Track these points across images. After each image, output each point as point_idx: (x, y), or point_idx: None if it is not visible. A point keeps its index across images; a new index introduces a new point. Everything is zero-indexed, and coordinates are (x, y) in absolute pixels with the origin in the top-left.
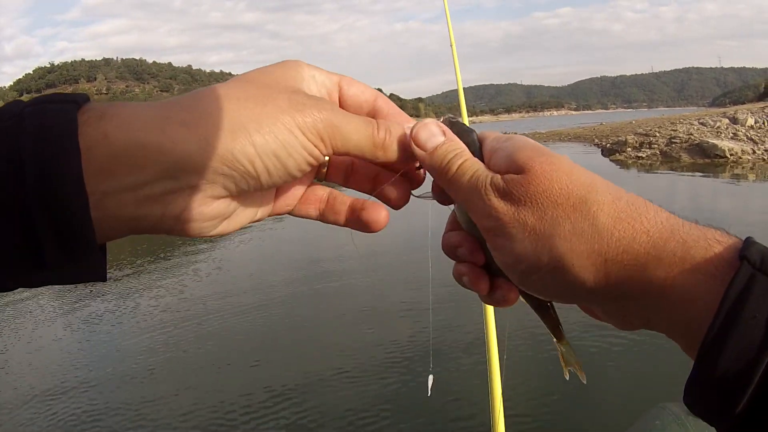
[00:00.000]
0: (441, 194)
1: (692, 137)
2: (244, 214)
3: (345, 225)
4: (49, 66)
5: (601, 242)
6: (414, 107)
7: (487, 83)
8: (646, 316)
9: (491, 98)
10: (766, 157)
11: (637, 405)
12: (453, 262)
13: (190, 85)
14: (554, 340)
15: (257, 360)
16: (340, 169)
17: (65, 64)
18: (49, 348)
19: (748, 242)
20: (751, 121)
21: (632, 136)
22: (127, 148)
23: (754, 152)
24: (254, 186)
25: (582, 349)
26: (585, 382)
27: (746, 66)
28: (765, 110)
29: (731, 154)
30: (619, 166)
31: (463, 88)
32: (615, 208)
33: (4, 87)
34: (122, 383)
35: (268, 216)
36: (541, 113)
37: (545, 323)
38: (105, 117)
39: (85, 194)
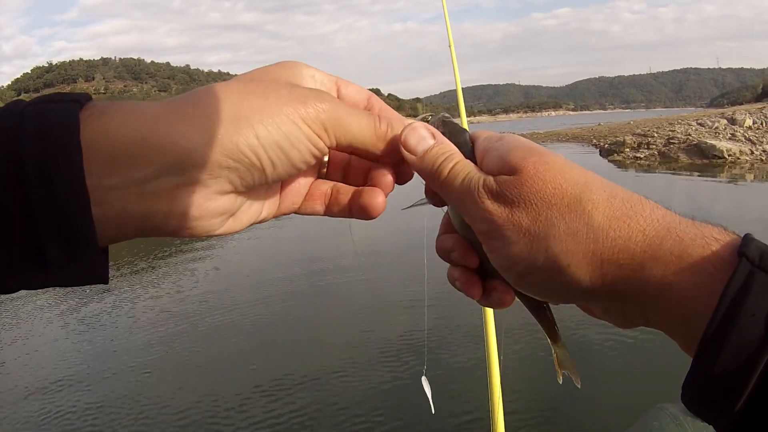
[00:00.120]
0: (434, 196)
1: (690, 138)
2: (250, 212)
3: (349, 214)
4: (47, 66)
5: (597, 242)
6: (412, 107)
7: (485, 83)
8: (645, 315)
9: (489, 98)
10: (764, 158)
11: (635, 406)
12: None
13: (188, 85)
14: (549, 342)
15: (256, 359)
16: (339, 166)
17: (63, 63)
18: (45, 348)
19: (747, 239)
20: (749, 122)
21: (630, 137)
22: (130, 142)
23: (752, 153)
24: (259, 179)
25: (582, 349)
26: (579, 386)
27: (744, 67)
28: (763, 111)
29: (729, 155)
30: (617, 167)
31: (462, 89)
32: (610, 207)
33: (2, 86)
34: (122, 383)
35: (274, 216)
36: (539, 114)
37: (541, 325)
38: (107, 113)
39: (86, 193)
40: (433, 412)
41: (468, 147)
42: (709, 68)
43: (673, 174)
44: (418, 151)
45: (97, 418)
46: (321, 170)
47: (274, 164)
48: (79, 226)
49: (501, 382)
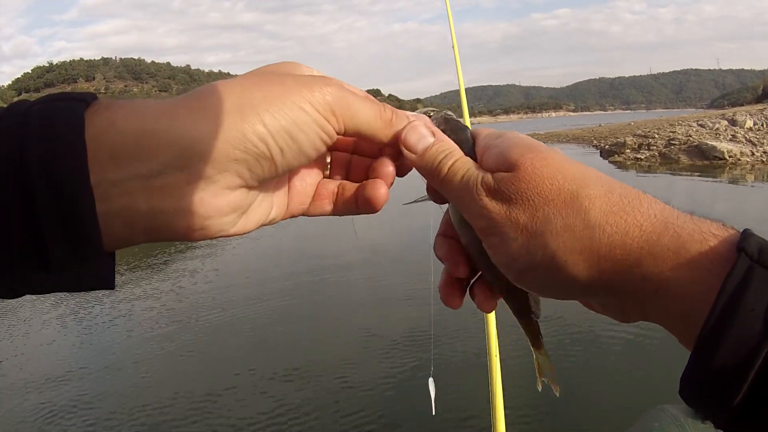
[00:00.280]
0: (435, 194)
1: (691, 139)
2: (261, 209)
3: (356, 209)
4: (47, 65)
5: (593, 238)
6: (412, 108)
7: (485, 84)
8: (643, 311)
9: (489, 99)
10: (764, 159)
11: (635, 406)
12: None
13: (188, 84)
14: (532, 348)
15: (256, 359)
16: (341, 166)
17: (64, 63)
18: (45, 348)
19: (746, 234)
20: (749, 123)
21: (631, 138)
22: (135, 135)
23: (752, 154)
24: (269, 170)
25: (582, 349)
26: (558, 395)
27: (744, 68)
28: (764, 112)
29: (730, 156)
30: (617, 168)
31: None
32: (607, 202)
33: (3, 86)
34: (122, 383)
35: (284, 218)
36: (539, 114)
37: (525, 331)
38: (112, 107)
39: (90, 192)
40: (434, 413)
41: (469, 144)
42: (709, 69)
43: (674, 175)
44: (418, 149)
45: (97, 418)
46: (324, 171)
47: (283, 152)
48: (84, 224)
49: (501, 382)
